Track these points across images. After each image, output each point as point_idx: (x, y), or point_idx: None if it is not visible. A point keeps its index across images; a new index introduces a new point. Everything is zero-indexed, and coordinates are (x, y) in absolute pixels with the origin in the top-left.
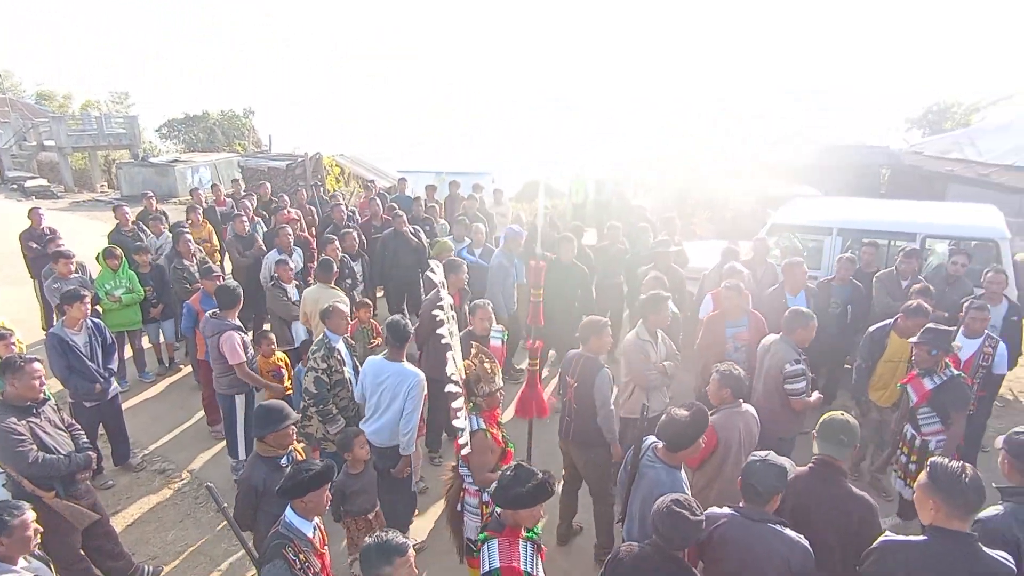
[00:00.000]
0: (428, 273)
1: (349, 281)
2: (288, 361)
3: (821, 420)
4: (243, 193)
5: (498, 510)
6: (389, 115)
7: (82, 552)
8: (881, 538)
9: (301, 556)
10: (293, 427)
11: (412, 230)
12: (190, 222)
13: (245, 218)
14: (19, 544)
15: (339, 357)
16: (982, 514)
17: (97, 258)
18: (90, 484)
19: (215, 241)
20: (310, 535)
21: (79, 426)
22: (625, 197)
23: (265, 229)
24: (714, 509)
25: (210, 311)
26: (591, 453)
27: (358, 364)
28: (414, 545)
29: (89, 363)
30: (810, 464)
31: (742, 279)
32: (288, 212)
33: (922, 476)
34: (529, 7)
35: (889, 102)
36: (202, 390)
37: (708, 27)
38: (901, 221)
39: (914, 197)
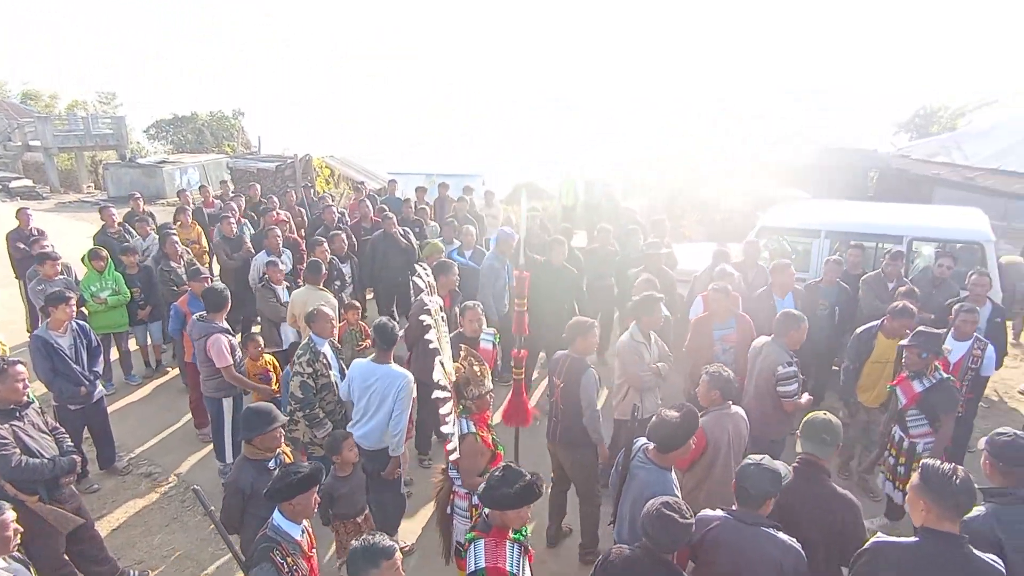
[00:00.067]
0: (414, 278)
1: (338, 283)
2: (276, 363)
3: (804, 420)
4: (232, 195)
5: (486, 511)
6: (388, 115)
7: (66, 557)
8: (873, 539)
9: (289, 559)
10: (281, 430)
11: (402, 232)
12: (179, 223)
13: (233, 220)
14: None
15: (325, 361)
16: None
17: (83, 260)
18: (75, 488)
19: (204, 243)
20: (298, 538)
21: (63, 429)
22: (615, 199)
23: (253, 231)
24: (707, 511)
25: (197, 314)
26: (578, 454)
27: (345, 367)
28: (402, 548)
29: (74, 366)
30: (794, 464)
31: (732, 281)
32: (277, 214)
33: (914, 477)
34: (529, 7)
35: (882, 105)
36: (190, 393)
37: (708, 27)
38: (888, 224)
39: (901, 200)
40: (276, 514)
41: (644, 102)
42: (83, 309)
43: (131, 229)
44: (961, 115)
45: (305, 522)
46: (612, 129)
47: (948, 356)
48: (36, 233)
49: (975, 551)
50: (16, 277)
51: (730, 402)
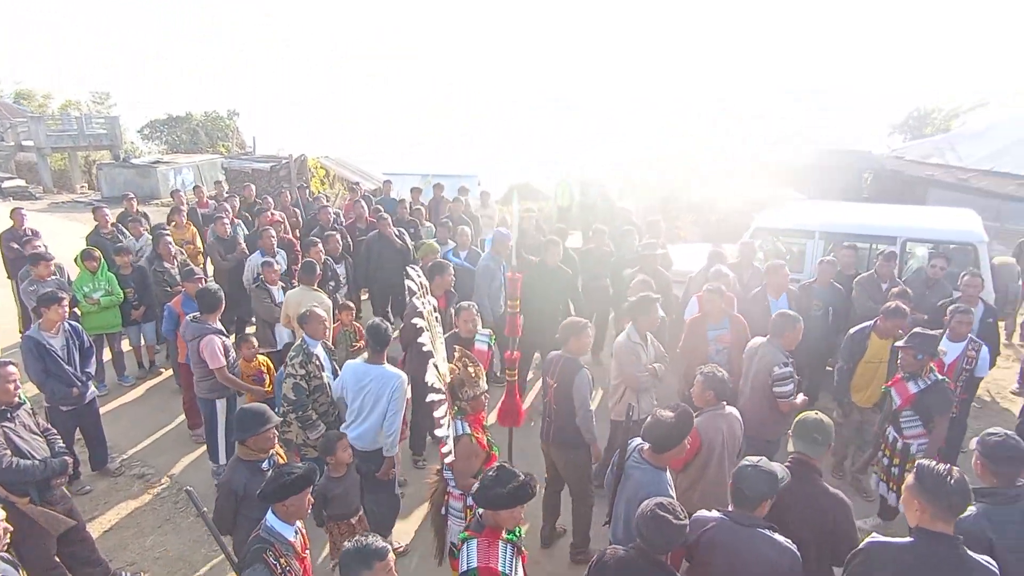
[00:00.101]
0: (407, 281)
1: (332, 284)
2: (271, 364)
3: (796, 419)
4: (226, 195)
5: (479, 511)
6: (388, 115)
7: (57, 559)
8: (867, 539)
9: (282, 560)
10: (274, 430)
11: (397, 232)
12: (174, 224)
13: (227, 220)
14: None
15: (318, 363)
16: None
17: (76, 260)
18: (66, 490)
19: (198, 243)
20: (291, 539)
21: (55, 431)
22: (610, 200)
23: (247, 231)
24: (703, 512)
25: (191, 315)
26: (571, 454)
27: (338, 369)
28: (396, 549)
29: (66, 367)
30: (786, 463)
31: (727, 282)
32: (272, 214)
33: (909, 478)
34: (529, 7)
35: (879, 106)
36: (183, 393)
37: (708, 27)
38: (882, 225)
39: (895, 201)
40: (269, 515)
41: (644, 102)
42: (76, 310)
43: (124, 229)
44: (955, 117)
45: (299, 523)
46: (612, 129)
47: (943, 357)
48: (30, 233)
49: (970, 552)
50: (8, 277)
51: (724, 402)
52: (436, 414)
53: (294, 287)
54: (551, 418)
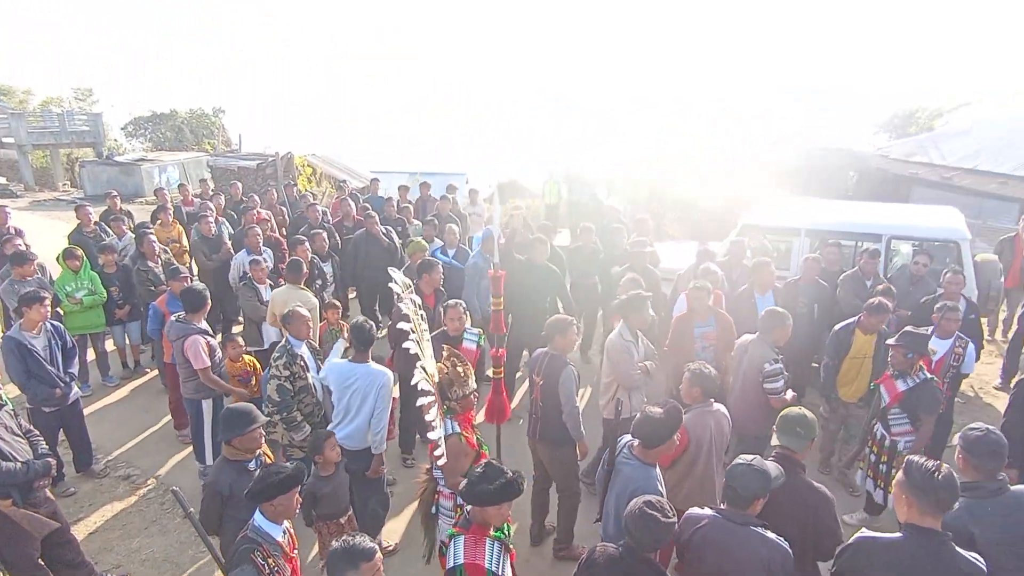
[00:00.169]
0: (391, 284)
1: (319, 282)
2: (257, 364)
3: (780, 414)
4: (211, 193)
5: (468, 508)
6: (388, 115)
7: (41, 562)
8: (857, 534)
9: (270, 560)
10: (261, 430)
11: (384, 231)
12: (159, 222)
13: (211, 219)
14: None
15: (302, 363)
16: None
17: (58, 259)
18: (50, 492)
19: (184, 242)
20: (279, 539)
21: (37, 432)
22: (598, 198)
23: (232, 230)
24: (695, 510)
25: (176, 314)
26: (558, 451)
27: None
28: (385, 548)
29: (48, 367)
30: (770, 457)
31: (715, 280)
32: (258, 212)
33: (899, 474)
34: (529, 7)
35: (872, 105)
36: (169, 393)
37: (708, 27)
38: (867, 223)
39: (880, 199)
40: (257, 515)
41: (644, 102)
42: (58, 309)
43: (107, 228)
44: (938, 116)
45: (287, 523)
46: (611, 129)
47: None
48: (13, 232)
49: (957, 548)
50: None
51: (712, 399)
52: (427, 417)
53: (281, 286)
54: (537, 415)
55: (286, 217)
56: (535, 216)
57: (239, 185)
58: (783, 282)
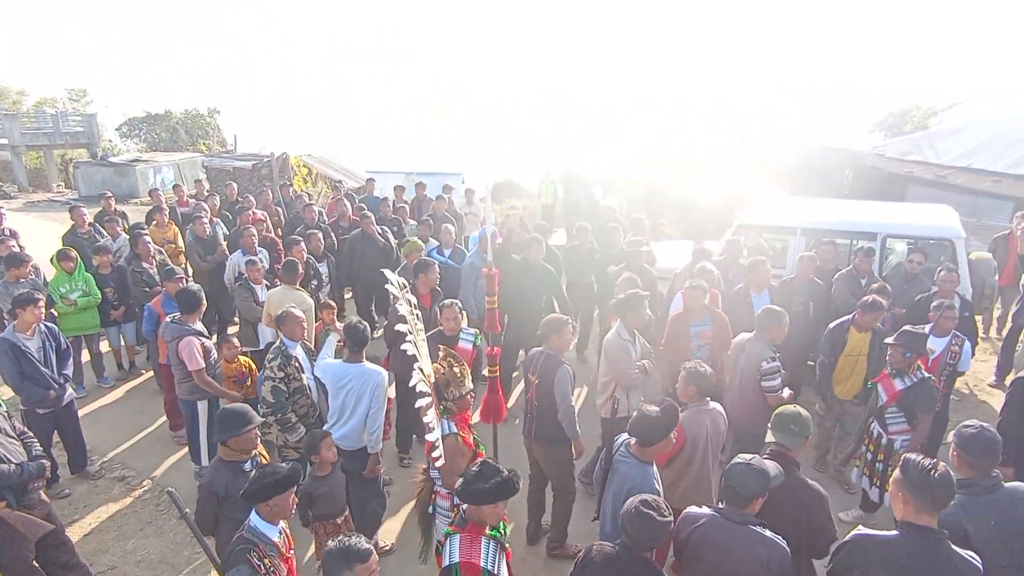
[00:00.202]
0: (387, 286)
1: (315, 283)
2: (253, 365)
3: (775, 412)
4: (207, 194)
5: (464, 507)
6: (388, 115)
7: (36, 564)
8: (853, 532)
9: (266, 561)
10: (257, 431)
11: (380, 231)
12: (155, 223)
13: (206, 220)
14: None
15: (297, 364)
16: None
17: (52, 260)
18: (44, 494)
19: (180, 243)
20: (275, 539)
21: (32, 434)
22: (594, 198)
23: (227, 231)
24: (693, 509)
25: (171, 315)
26: (553, 450)
27: None
28: (381, 548)
29: (43, 369)
30: (765, 454)
31: (711, 279)
32: (254, 213)
33: (896, 471)
34: (529, 7)
35: (870, 104)
36: (164, 394)
37: (708, 27)
38: (862, 221)
39: (876, 198)
40: (253, 515)
41: (644, 102)
42: (52, 311)
43: (102, 229)
44: (933, 115)
45: (283, 523)
46: (611, 128)
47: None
48: (7, 234)
49: (953, 547)
50: None
51: (708, 398)
52: (425, 419)
53: (276, 286)
54: (533, 414)
55: (282, 217)
56: (531, 216)
57: (234, 186)
58: (779, 281)
